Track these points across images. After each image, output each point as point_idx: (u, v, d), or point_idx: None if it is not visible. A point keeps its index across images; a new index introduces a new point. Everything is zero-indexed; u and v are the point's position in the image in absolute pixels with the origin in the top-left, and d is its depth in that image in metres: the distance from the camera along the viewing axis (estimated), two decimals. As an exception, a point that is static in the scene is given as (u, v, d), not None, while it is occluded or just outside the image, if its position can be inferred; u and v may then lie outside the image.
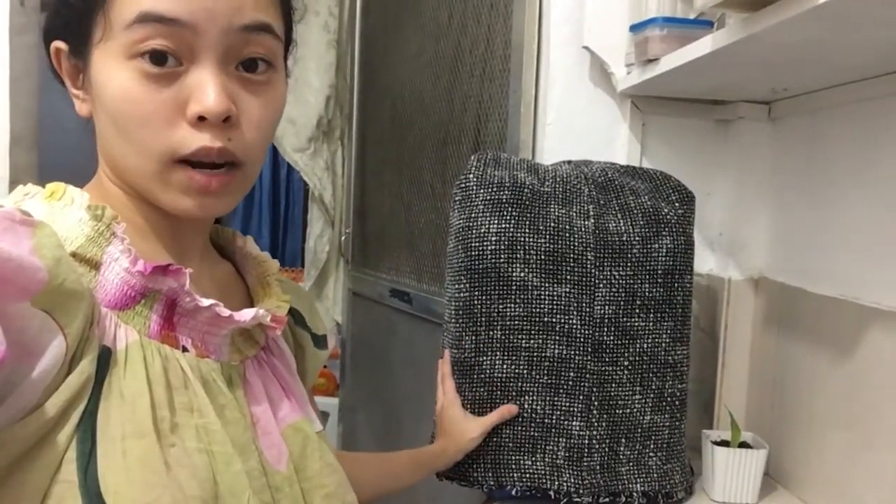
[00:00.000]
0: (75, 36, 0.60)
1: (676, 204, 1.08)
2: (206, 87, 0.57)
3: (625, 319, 1.05)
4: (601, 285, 1.05)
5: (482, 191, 1.07)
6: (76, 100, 0.63)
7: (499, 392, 1.04)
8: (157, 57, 0.57)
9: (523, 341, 1.04)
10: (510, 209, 1.05)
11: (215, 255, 0.73)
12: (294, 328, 0.78)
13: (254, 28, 0.59)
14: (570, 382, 1.04)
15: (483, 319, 1.04)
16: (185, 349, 0.60)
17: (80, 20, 0.59)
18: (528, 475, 1.03)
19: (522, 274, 1.04)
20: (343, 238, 2.28)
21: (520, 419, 1.04)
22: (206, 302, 0.60)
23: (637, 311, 1.05)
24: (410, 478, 0.99)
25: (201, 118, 0.57)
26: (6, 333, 0.45)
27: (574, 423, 1.04)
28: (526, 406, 1.04)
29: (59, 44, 0.62)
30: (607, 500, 1.04)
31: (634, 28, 1.12)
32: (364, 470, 0.89)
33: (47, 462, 0.50)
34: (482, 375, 1.05)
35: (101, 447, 0.52)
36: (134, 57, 0.57)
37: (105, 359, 0.55)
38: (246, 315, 0.63)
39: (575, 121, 1.31)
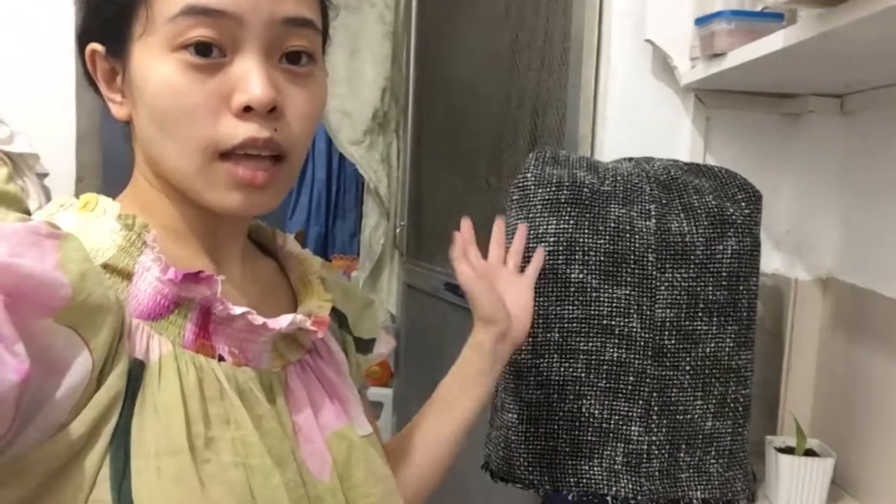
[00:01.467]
0: (113, 35, 0.60)
1: (742, 203, 1.04)
2: (251, 77, 0.56)
3: (687, 323, 1.02)
4: (662, 287, 1.02)
5: (540, 190, 1.05)
6: (112, 104, 0.62)
7: (556, 395, 1.03)
8: (202, 48, 0.56)
9: (581, 344, 1.02)
10: (569, 209, 1.03)
11: (257, 254, 0.72)
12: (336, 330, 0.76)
13: (296, 22, 0.59)
14: (630, 387, 1.02)
15: (540, 321, 1.03)
16: (221, 358, 0.59)
17: (120, 16, 0.59)
18: (584, 480, 1.02)
19: (581, 275, 1.02)
20: (398, 230, 2.28)
21: (577, 423, 1.02)
22: (238, 310, 0.59)
23: (700, 314, 1.02)
24: (466, 402, 0.84)
25: (247, 108, 0.56)
26: (29, 350, 0.45)
27: (633, 428, 1.02)
28: (584, 410, 1.02)
29: (95, 46, 0.61)
30: (666, 506, 1.02)
31: (700, 21, 1.09)
32: (412, 447, 0.82)
33: (79, 481, 0.49)
34: (539, 378, 1.03)
35: (134, 464, 0.51)
36: (177, 49, 0.56)
37: (138, 372, 0.54)
38: (282, 322, 0.62)
39: (636, 115, 1.28)
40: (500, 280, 0.93)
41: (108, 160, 1.47)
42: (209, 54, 0.56)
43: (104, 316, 0.51)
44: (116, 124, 0.64)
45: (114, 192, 0.65)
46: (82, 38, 0.63)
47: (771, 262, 1.29)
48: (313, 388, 0.66)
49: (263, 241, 0.74)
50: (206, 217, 0.62)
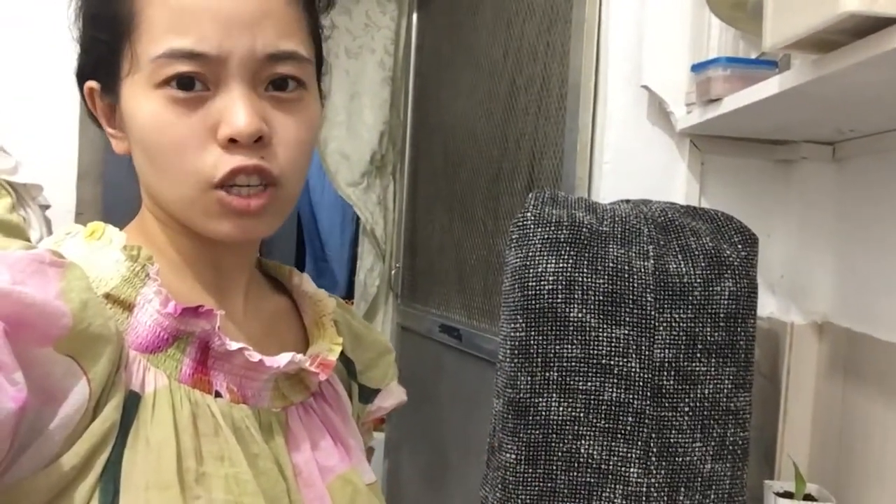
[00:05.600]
0: (106, 73, 0.61)
1: (739, 246, 1.05)
2: (235, 109, 0.56)
3: (685, 364, 1.02)
4: (661, 328, 1.02)
5: (540, 229, 1.06)
6: (113, 139, 0.63)
7: (554, 435, 1.02)
8: (185, 82, 0.56)
9: (580, 383, 1.02)
10: (568, 248, 1.04)
11: (266, 290, 0.72)
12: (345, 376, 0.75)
13: (280, 56, 0.59)
14: (629, 427, 1.01)
15: (539, 360, 1.03)
16: (218, 394, 0.58)
17: (109, 55, 0.60)
18: (583, 522, 1.01)
19: (580, 315, 1.03)
20: (393, 272, 2.29)
21: (576, 464, 1.01)
22: (234, 345, 0.58)
23: (698, 355, 1.02)
24: None
25: (233, 140, 0.56)
26: (28, 379, 0.45)
27: (632, 469, 1.01)
28: (582, 451, 1.01)
29: (91, 83, 0.62)
30: (665, 550, 1.00)
31: (696, 67, 1.11)
32: None
33: None
34: (537, 417, 1.03)
35: (123, 498, 0.51)
36: (161, 85, 0.57)
37: (133, 404, 0.53)
38: (280, 360, 0.61)
39: (632, 160, 1.30)
40: None
41: (109, 197, 1.47)
42: (192, 88, 0.57)
43: (104, 346, 0.51)
44: (119, 161, 0.65)
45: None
46: (80, 76, 0.64)
47: (766, 306, 1.30)
48: (316, 432, 0.65)
49: (280, 279, 0.74)
50: (209, 249, 0.62)
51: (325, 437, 0.66)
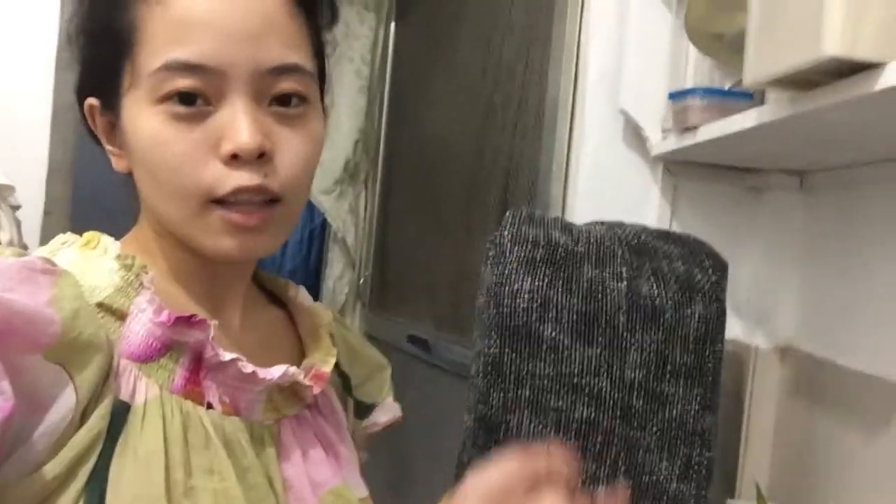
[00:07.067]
0: (106, 89, 0.60)
1: (710, 271, 1.08)
2: (238, 124, 0.56)
3: (655, 384, 1.04)
4: (632, 349, 1.04)
5: (516, 248, 1.07)
6: (112, 157, 0.63)
7: (525, 452, 1.03)
8: (186, 97, 0.56)
9: (552, 401, 1.03)
10: (544, 268, 1.06)
11: (262, 302, 0.71)
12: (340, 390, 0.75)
13: (282, 70, 0.58)
14: (598, 446, 1.03)
15: (512, 377, 1.04)
16: (210, 405, 0.58)
17: (109, 71, 0.59)
18: (550, 539, 1.02)
19: (553, 333, 1.04)
20: (361, 281, 2.29)
21: (545, 481, 1.02)
22: (227, 356, 0.58)
23: (668, 376, 1.04)
24: None
25: (235, 156, 0.56)
26: (15, 387, 0.44)
27: (600, 488, 1.02)
28: (552, 468, 1.03)
29: (91, 101, 0.62)
30: (630, 568, 1.02)
31: (674, 96, 1.14)
32: None
33: None
34: (508, 434, 1.04)
35: None
36: (162, 101, 0.56)
37: (122, 414, 0.53)
38: (274, 372, 0.60)
39: (607, 181, 1.32)
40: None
41: (79, 196, 1.45)
42: (194, 103, 0.56)
43: (93, 354, 0.51)
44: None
45: (81, 229, 0.64)
46: (80, 94, 0.63)
47: (731, 329, 1.32)
48: (309, 445, 0.65)
49: (277, 292, 0.74)
50: (206, 263, 0.62)
51: (318, 450, 0.65)
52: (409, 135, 2.11)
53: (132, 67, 0.58)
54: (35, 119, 1.38)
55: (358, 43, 2.14)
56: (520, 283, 1.05)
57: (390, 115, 2.24)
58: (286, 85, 0.59)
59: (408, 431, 1.99)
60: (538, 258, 1.06)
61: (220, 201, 0.57)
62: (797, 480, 1.21)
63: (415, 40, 2.13)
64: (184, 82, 0.56)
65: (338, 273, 2.26)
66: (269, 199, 0.58)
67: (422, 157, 2.00)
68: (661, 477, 1.04)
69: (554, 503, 0.62)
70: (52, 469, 0.49)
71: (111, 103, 0.60)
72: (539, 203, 1.39)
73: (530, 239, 1.07)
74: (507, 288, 1.05)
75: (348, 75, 2.15)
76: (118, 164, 0.62)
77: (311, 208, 2.30)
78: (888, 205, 1.07)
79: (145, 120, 0.57)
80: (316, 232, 2.41)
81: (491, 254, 1.10)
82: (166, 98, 0.56)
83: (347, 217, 2.23)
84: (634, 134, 1.30)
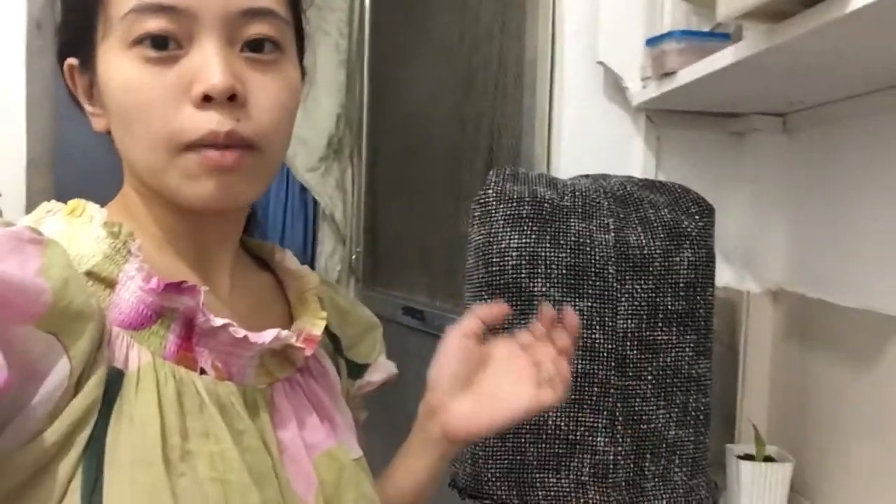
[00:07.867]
0: (83, 43, 0.60)
1: (696, 217, 1.07)
2: (209, 65, 0.55)
3: (647, 333, 1.04)
4: (623, 299, 1.04)
5: (502, 206, 1.07)
6: (93, 118, 0.62)
7: (522, 408, 1.03)
8: (158, 41, 0.55)
9: (546, 357, 1.03)
10: (530, 224, 1.05)
11: (251, 267, 0.71)
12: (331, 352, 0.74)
13: (254, 12, 0.57)
14: (594, 398, 1.03)
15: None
16: (203, 371, 0.58)
17: (83, 24, 0.59)
18: (553, 493, 1.02)
19: (544, 289, 1.04)
20: (353, 257, 2.28)
21: (544, 436, 1.03)
22: (219, 321, 0.57)
23: (660, 324, 1.04)
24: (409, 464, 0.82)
25: (206, 98, 0.55)
26: (9, 357, 0.44)
27: (599, 439, 1.03)
28: (550, 423, 1.03)
29: (71, 60, 0.61)
30: (633, 516, 1.03)
31: (651, 42, 1.13)
32: (395, 485, 0.82)
33: (49, 491, 0.48)
34: (505, 391, 1.04)
35: (107, 475, 0.50)
36: (134, 45, 0.55)
37: (116, 381, 0.53)
38: (266, 336, 0.60)
39: (589, 136, 1.31)
40: (507, 362, 0.80)
41: (60, 187, 1.44)
42: (166, 47, 0.56)
43: (85, 323, 0.51)
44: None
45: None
46: (61, 55, 0.63)
47: (722, 276, 1.32)
48: (302, 408, 0.65)
49: (262, 257, 0.73)
50: (193, 224, 0.61)
51: (311, 413, 0.65)
52: (392, 106, 2.09)
53: (105, 16, 0.57)
54: (11, 109, 1.36)
55: (333, 16, 2.11)
56: (507, 240, 1.05)
57: (372, 88, 2.21)
58: (258, 28, 0.58)
59: (406, 399, 2.00)
60: (524, 215, 1.06)
61: (192, 146, 0.56)
62: (795, 421, 1.21)
63: (391, 9, 2.11)
64: (154, 23, 0.55)
65: (329, 250, 2.26)
66: (244, 145, 0.57)
67: (406, 127, 1.99)
68: (660, 424, 1.04)
69: (505, 348, 0.81)
70: (49, 438, 0.49)
71: (88, 58, 0.60)
72: (524, 162, 1.38)
73: (515, 196, 1.07)
74: (494, 246, 1.05)
75: (325, 50, 2.13)
76: (98, 124, 0.62)
77: (303, 190, 2.29)
78: (869, 137, 1.06)
79: (118, 66, 0.57)
80: (308, 211, 2.39)
81: (477, 214, 1.09)
82: (138, 42, 0.56)
83: (335, 193, 2.21)
84: (615, 86, 1.29)
